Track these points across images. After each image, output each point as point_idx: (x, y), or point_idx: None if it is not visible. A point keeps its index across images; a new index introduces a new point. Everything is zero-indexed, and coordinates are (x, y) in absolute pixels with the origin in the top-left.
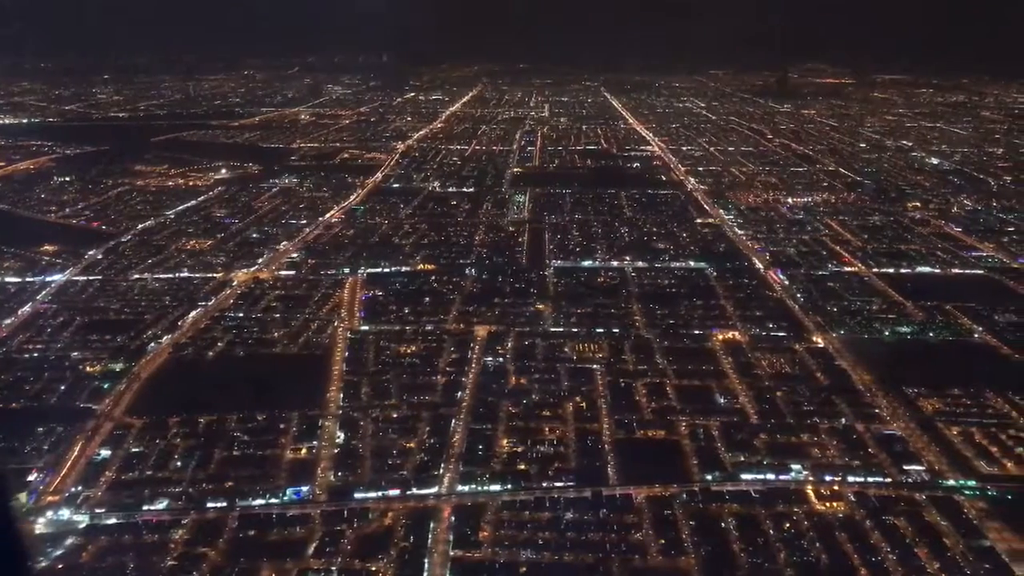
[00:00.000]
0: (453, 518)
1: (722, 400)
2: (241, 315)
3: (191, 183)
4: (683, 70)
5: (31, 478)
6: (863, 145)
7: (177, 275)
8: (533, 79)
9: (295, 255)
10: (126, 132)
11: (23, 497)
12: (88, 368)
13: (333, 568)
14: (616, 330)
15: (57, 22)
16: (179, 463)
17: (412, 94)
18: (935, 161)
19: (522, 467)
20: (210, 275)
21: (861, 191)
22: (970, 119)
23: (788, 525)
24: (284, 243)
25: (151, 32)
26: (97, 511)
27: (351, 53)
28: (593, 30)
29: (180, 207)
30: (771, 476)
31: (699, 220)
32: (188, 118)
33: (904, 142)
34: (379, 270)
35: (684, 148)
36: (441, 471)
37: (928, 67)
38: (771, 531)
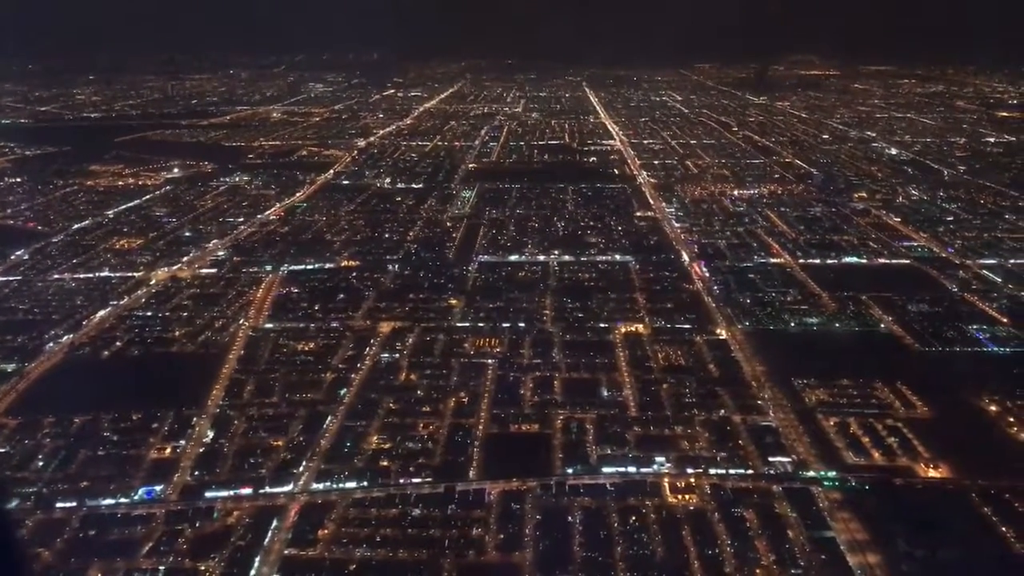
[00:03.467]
0: (298, 516)
1: (606, 393)
2: (149, 314)
3: (141, 182)
4: (670, 64)
5: None
6: (826, 136)
7: (97, 275)
8: (517, 75)
9: (221, 253)
10: (93, 132)
11: None
12: None
13: (161, 568)
14: (522, 324)
15: (50, 24)
16: (41, 463)
17: (392, 91)
18: (894, 151)
19: (384, 464)
20: (130, 274)
21: (810, 182)
22: (943, 109)
23: (634, 519)
24: (214, 241)
25: (142, 33)
26: None
27: (341, 50)
28: (586, 26)
29: (122, 206)
30: (632, 469)
31: (639, 213)
32: (160, 118)
33: (868, 133)
34: (302, 267)
35: (646, 142)
36: (301, 469)
37: (917, 58)
38: (615, 525)
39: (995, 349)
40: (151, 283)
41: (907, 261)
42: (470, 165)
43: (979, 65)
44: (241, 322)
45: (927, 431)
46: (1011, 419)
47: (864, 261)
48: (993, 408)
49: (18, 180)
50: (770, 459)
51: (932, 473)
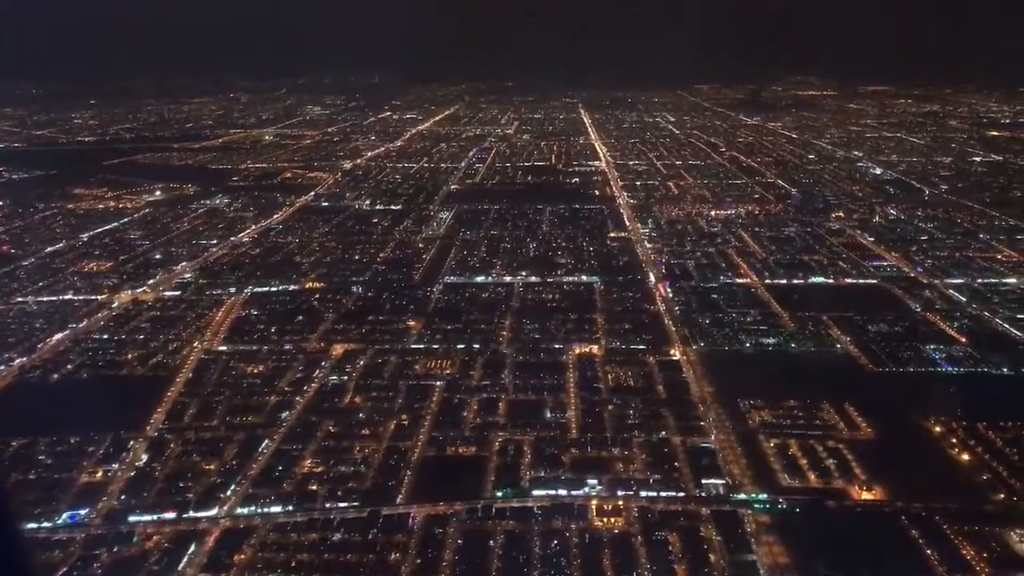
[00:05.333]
0: (217, 541)
1: (549, 415)
2: (105, 337)
3: (122, 205)
4: (669, 85)
5: None
6: (812, 156)
7: (60, 298)
8: (515, 97)
9: (188, 275)
10: (84, 156)
11: None
12: None
13: None
14: (477, 346)
15: (58, 49)
16: None
17: (388, 113)
18: (878, 171)
19: (313, 488)
20: (93, 297)
21: (789, 202)
22: (935, 128)
23: (556, 542)
24: (183, 264)
25: (147, 57)
26: None
27: (344, 73)
28: (588, 48)
29: (98, 229)
30: (563, 492)
31: (612, 234)
32: (153, 141)
33: (856, 152)
34: (266, 289)
35: (631, 162)
36: (228, 493)
37: (916, 78)
38: (536, 549)
39: (949, 369)
40: (113, 306)
41: (874, 281)
42: (452, 186)
43: (978, 84)
44: (195, 345)
45: (868, 453)
46: (954, 440)
47: (831, 281)
48: (938, 429)
49: (0, 204)
50: (703, 481)
51: (865, 495)
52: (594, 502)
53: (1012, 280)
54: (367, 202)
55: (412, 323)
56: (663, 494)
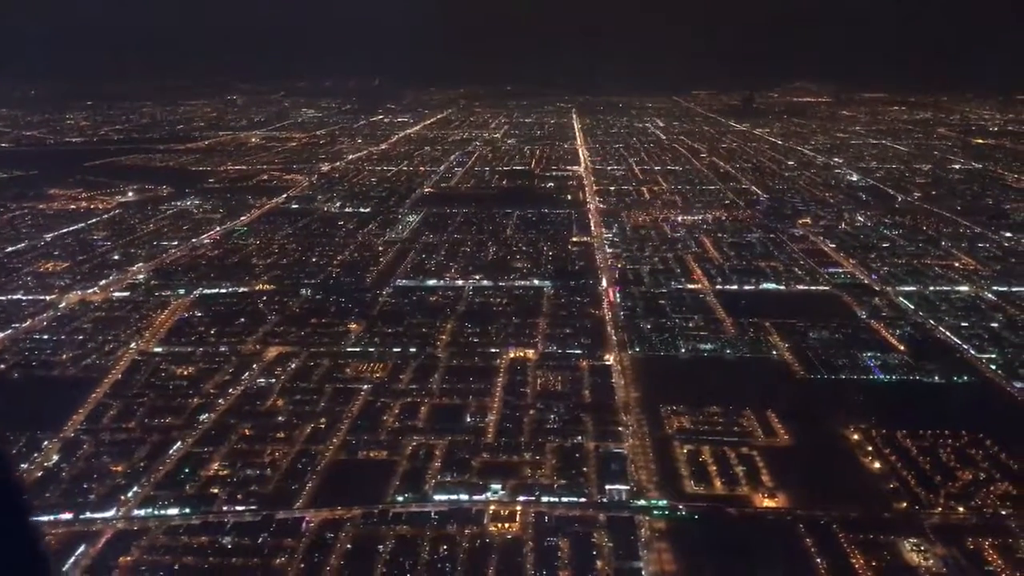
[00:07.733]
0: (107, 543)
1: (469, 419)
2: (45, 337)
3: (93, 206)
4: (666, 91)
5: None
6: (791, 163)
7: (9, 297)
8: (510, 101)
9: (141, 276)
10: (68, 157)
11: None
12: None
13: None
14: (413, 349)
15: (58, 51)
16: None
17: (380, 116)
18: (855, 177)
19: (214, 491)
20: (42, 297)
21: (757, 208)
22: (921, 135)
23: (445, 548)
24: (139, 264)
25: (151, 58)
26: None
27: (345, 76)
28: (589, 54)
29: (64, 230)
30: (464, 496)
31: (575, 239)
32: (140, 142)
33: (836, 159)
34: (215, 291)
35: (610, 168)
36: (130, 495)
37: (914, 85)
38: (423, 554)
39: (882, 377)
40: (60, 306)
41: (826, 288)
42: (426, 190)
43: (976, 91)
44: (131, 346)
45: (779, 460)
46: (869, 448)
47: (782, 288)
48: (855, 437)
49: None
50: (607, 487)
51: (767, 503)
52: (492, 507)
53: (964, 288)
54: (337, 204)
55: (353, 326)
56: (564, 499)
